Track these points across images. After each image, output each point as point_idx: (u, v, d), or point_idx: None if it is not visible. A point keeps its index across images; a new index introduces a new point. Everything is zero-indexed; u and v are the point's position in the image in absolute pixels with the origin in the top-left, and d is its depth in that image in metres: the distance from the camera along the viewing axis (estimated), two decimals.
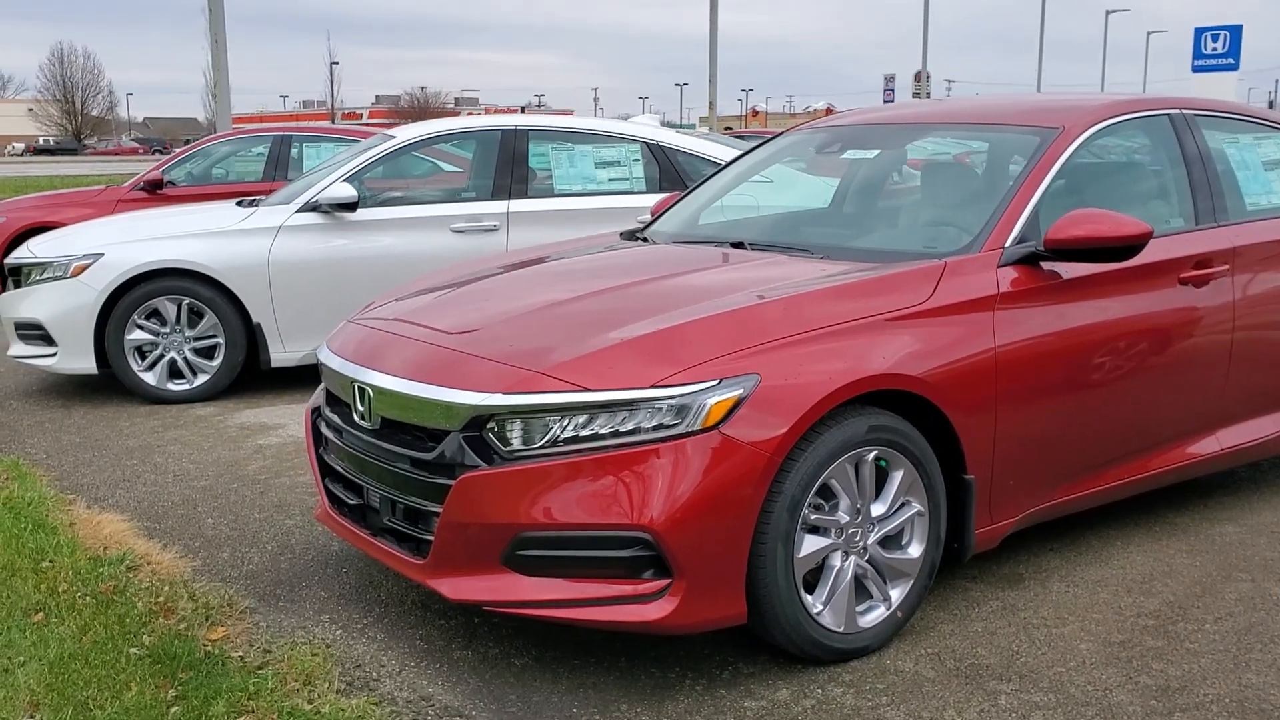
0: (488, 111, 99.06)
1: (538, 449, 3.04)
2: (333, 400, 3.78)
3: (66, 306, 6.47)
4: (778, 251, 3.93)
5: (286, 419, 6.26)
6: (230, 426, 6.13)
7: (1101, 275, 3.74)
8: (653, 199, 7.03)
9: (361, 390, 3.44)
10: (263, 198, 7.48)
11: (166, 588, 3.86)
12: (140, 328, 6.55)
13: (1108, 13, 65.69)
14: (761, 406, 3.01)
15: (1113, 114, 4.16)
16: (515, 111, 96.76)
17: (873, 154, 4.48)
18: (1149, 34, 74.67)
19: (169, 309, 6.56)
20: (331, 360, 3.74)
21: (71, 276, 6.47)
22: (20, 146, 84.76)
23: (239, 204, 7.26)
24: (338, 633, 3.56)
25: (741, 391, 3.00)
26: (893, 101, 62.00)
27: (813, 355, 3.13)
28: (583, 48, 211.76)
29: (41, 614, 3.63)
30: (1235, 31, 22.80)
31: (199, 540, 4.41)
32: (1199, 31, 24.11)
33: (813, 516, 3.16)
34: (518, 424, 3.06)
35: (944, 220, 4.05)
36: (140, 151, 71.76)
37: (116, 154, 70.53)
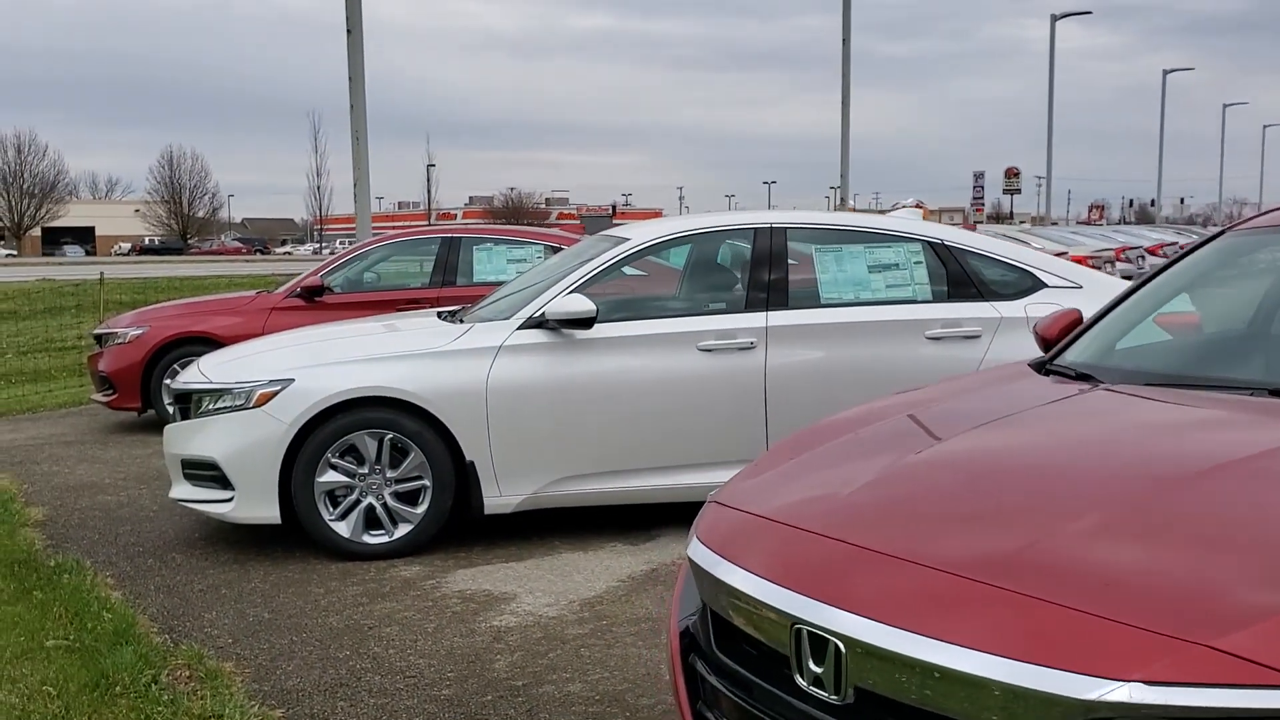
0: (580, 211, 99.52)
1: None
2: (722, 628, 2.53)
3: (248, 442, 5.36)
4: None
5: (514, 586, 5.03)
6: (449, 596, 4.91)
7: None
8: (941, 310, 5.81)
9: (814, 636, 2.17)
10: (463, 308, 6.39)
11: None
12: (334, 468, 5.41)
13: (1225, 105, 63.97)
14: None
15: None
16: (605, 211, 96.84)
17: None
18: (1265, 127, 72.45)
19: (369, 445, 5.42)
20: (720, 569, 2.49)
21: (255, 406, 5.37)
22: (127, 246, 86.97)
23: (440, 316, 6.17)
24: None
25: None
26: (981, 199, 60.51)
27: None
28: (668, 147, 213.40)
29: None
30: None
31: None
32: None
33: None
34: None
35: None
36: (243, 251, 73.04)
37: (221, 253, 71.82)
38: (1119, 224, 68.51)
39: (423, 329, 5.82)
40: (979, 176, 62.33)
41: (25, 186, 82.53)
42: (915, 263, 5.91)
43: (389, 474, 5.45)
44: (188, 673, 4.04)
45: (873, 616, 2.08)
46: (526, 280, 6.33)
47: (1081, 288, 5.97)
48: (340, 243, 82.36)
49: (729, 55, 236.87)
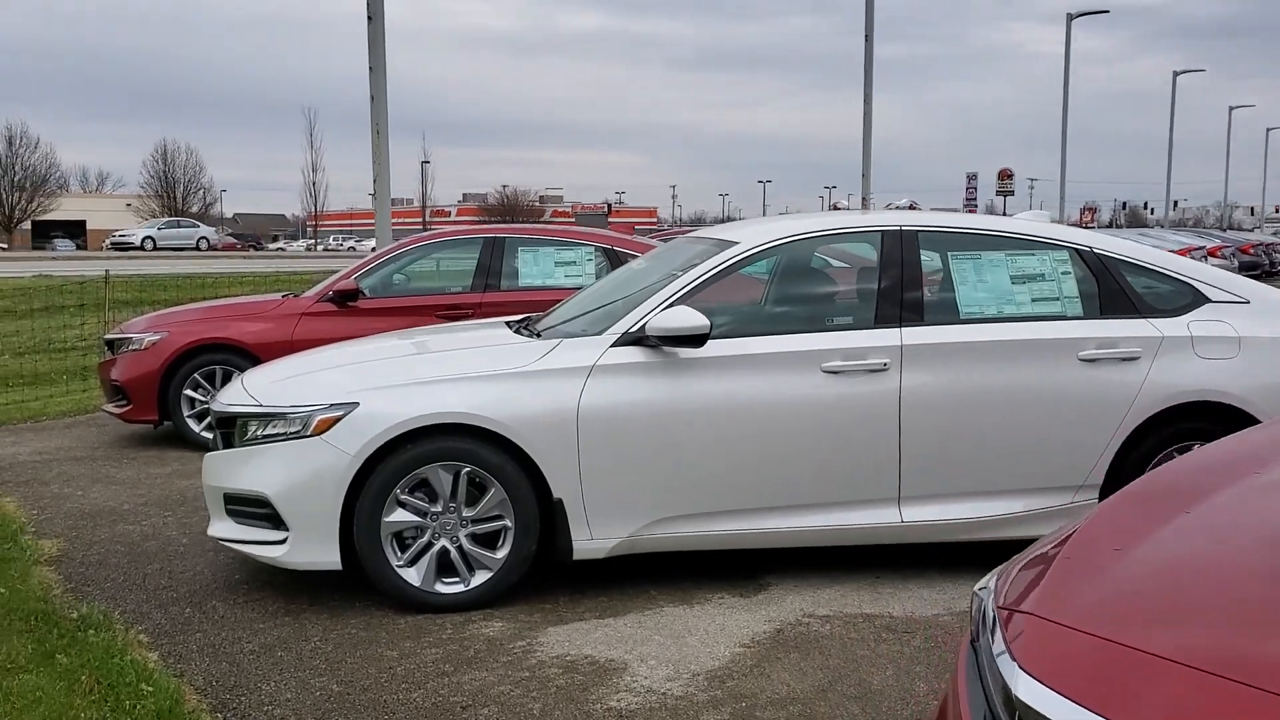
0: (574, 210, 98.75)
1: None
2: None
3: (306, 476, 4.60)
4: None
5: (620, 651, 4.28)
6: (547, 664, 4.16)
7: None
8: (1094, 328, 5.10)
9: None
10: (528, 318, 5.66)
11: None
12: (403, 505, 4.66)
13: (1231, 108, 63.48)
14: None
15: None
16: (600, 209, 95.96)
17: None
18: (1268, 130, 71.87)
19: (443, 480, 4.67)
20: None
21: (313, 434, 4.61)
22: None
23: (510, 327, 5.43)
24: None
25: None
26: (975, 200, 60.02)
27: None
28: (662, 146, 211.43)
29: None
30: None
31: None
32: None
33: None
34: None
35: None
36: (238, 248, 71.82)
37: (224, 249, 70.55)
38: (1109, 226, 68.08)
39: (499, 344, 5.06)
40: (972, 178, 61.62)
41: (16, 179, 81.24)
42: (1063, 273, 5.18)
43: (465, 513, 4.70)
44: None
45: None
46: (609, 290, 5.57)
47: (1249, 303, 5.26)
48: (334, 238, 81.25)
49: (724, 56, 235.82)
